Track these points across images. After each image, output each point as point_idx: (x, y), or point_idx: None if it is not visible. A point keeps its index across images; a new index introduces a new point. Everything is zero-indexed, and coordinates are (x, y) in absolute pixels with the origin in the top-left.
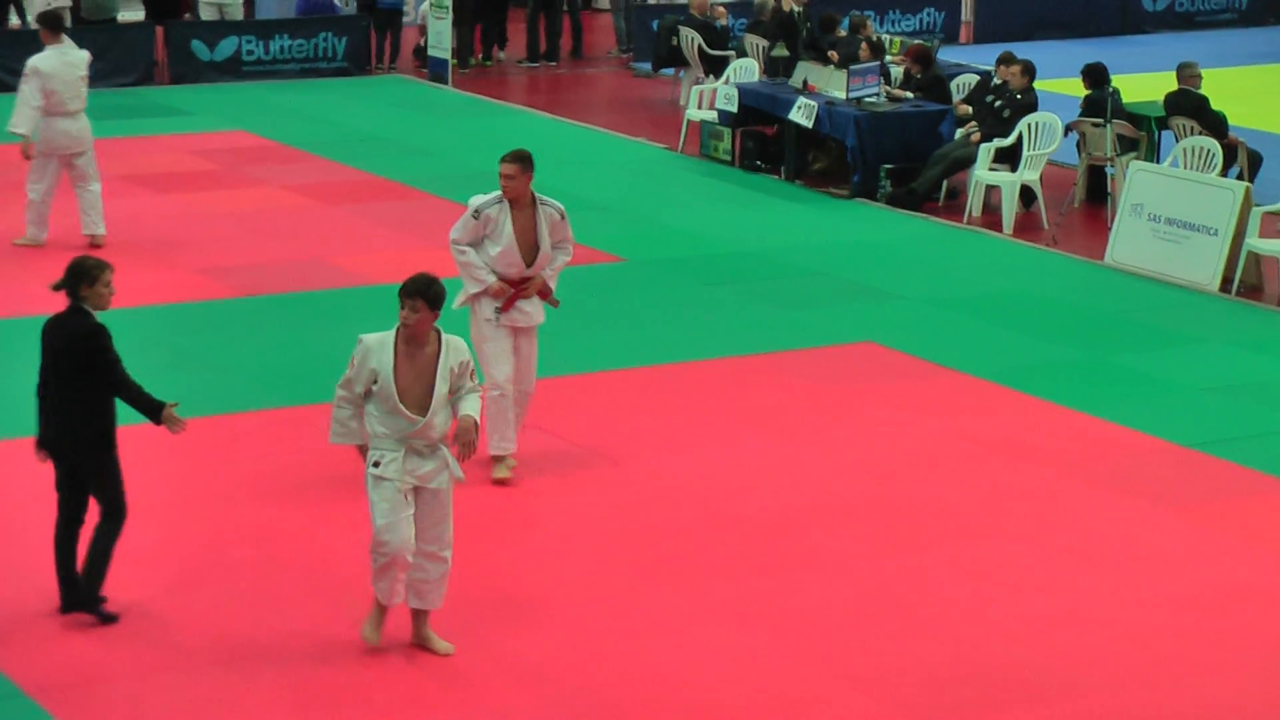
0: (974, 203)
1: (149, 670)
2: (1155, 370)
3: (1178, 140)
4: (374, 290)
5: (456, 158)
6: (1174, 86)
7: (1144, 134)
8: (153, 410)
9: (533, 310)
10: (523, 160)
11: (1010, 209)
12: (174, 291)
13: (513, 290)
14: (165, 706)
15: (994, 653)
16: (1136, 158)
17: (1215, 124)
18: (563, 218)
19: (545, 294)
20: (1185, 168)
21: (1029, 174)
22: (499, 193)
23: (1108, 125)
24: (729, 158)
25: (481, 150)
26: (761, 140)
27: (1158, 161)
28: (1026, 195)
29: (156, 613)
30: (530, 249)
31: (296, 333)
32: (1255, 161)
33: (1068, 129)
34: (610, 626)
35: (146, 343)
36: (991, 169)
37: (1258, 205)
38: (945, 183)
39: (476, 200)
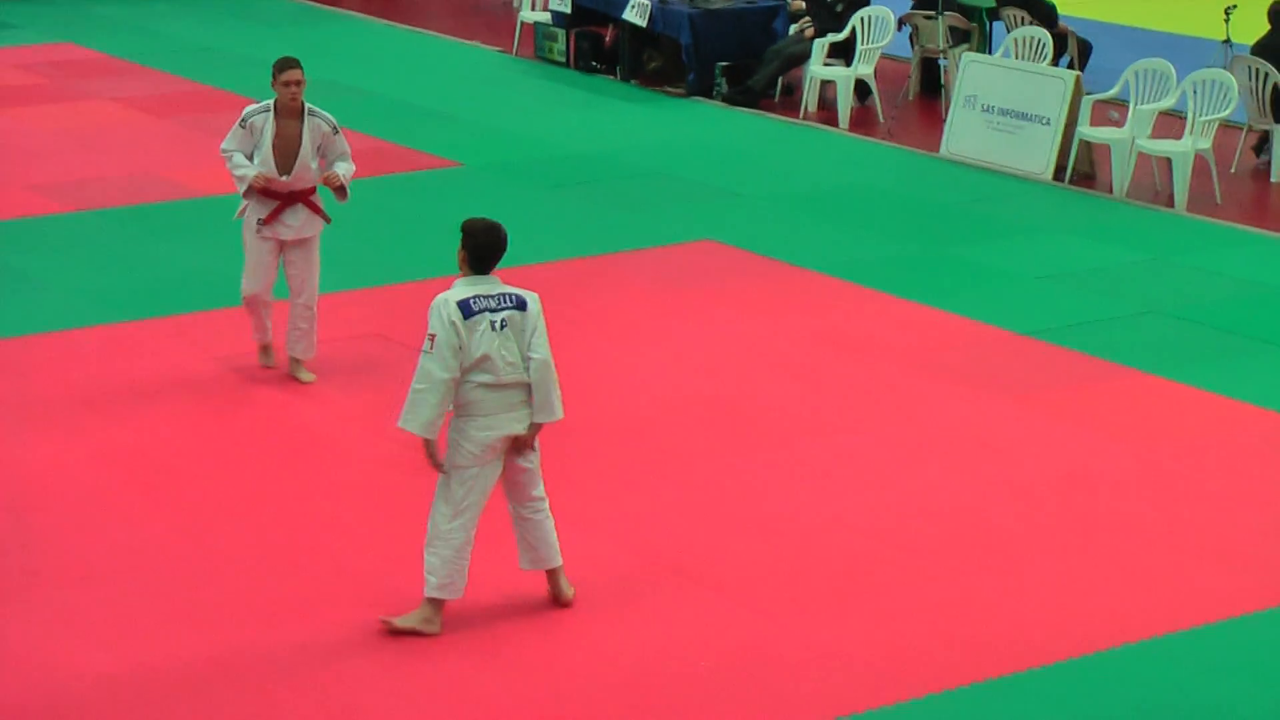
0: (809, 98)
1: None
2: (992, 260)
3: (1009, 31)
4: (208, 201)
5: None
6: None
7: (976, 25)
8: None
9: (298, 223)
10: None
11: (845, 104)
12: (2, 208)
13: (277, 201)
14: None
15: (835, 547)
16: (969, 49)
17: (1045, 14)
18: (335, 131)
19: (336, 185)
20: (1016, 58)
21: (863, 68)
22: (270, 102)
23: (940, 17)
24: (564, 59)
25: (315, 58)
26: (596, 41)
27: (990, 53)
28: (861, 89)
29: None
30: (288, 158)
31: (131, 247)
32: (1085, 50)
33: (900, 22)
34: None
35: None
36: (826, 64)
37: (1088, 94)
38: (781, 79)
39: (247, 109)
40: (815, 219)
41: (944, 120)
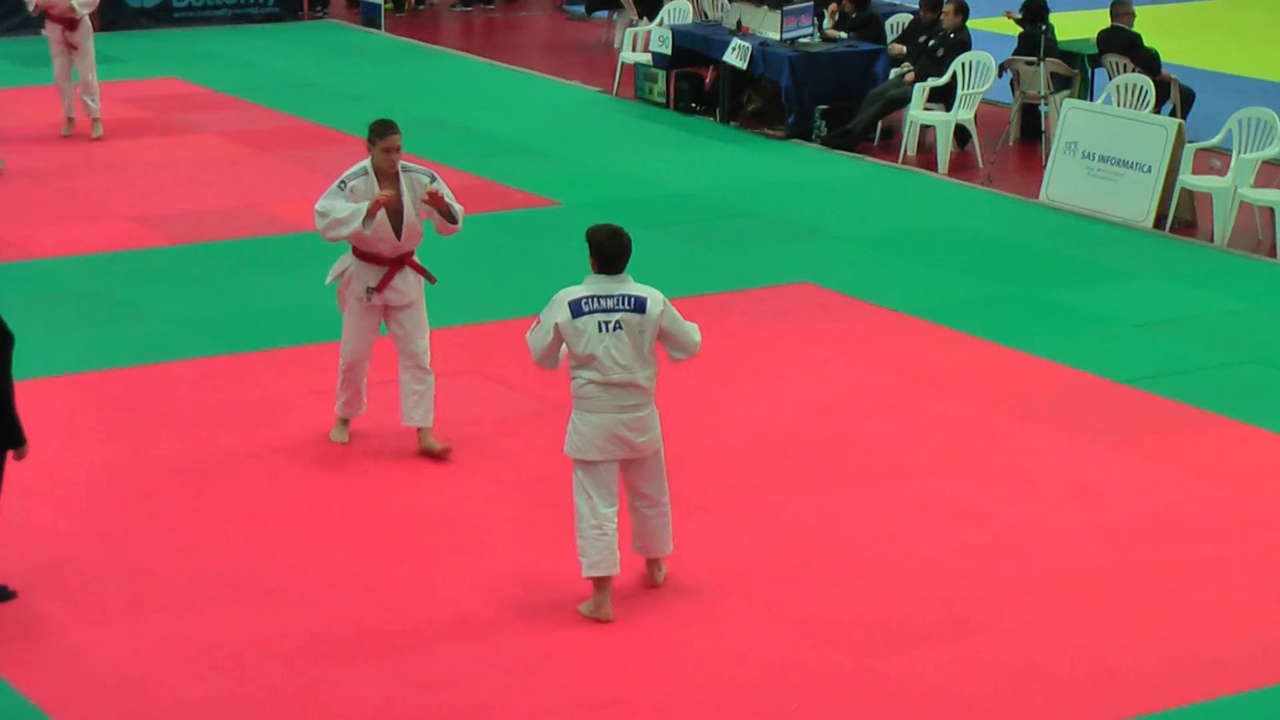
0: (909, 142)
1: (138, 658)
2: (1090, 306)
3: (1111, 78)
4: (309, 236)
5: (390, 102)
6: (1107, 24)
7: (1077, 72)
8: (13, 435)
9: (406, 287)
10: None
11: (945, 148)
12: (107, 240)
13: (385, 266)
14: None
15: (928, 589)
16: (1070, 95)
17: (1148, 61)
18: (433, 179)
19: (441, 205)
20: (1118, 105)
21: (963, 113)
22: (366, 164)
23: (1041, 63)
24: (664, 100)
25: (415, 95)
26: (696, 82)
27: (1091, 99)
28: (961, 134)
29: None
30: (395, 221)
31: (232, 280)
32: (1188, 98)
33: (1002, 68)
34: (547, 567)
35: (79, 293)
36: (926, 108)
37: (1190, 142)
38: (880, 123)
39: (346, 173)
40: (912, 263)
41: (1044, 166)
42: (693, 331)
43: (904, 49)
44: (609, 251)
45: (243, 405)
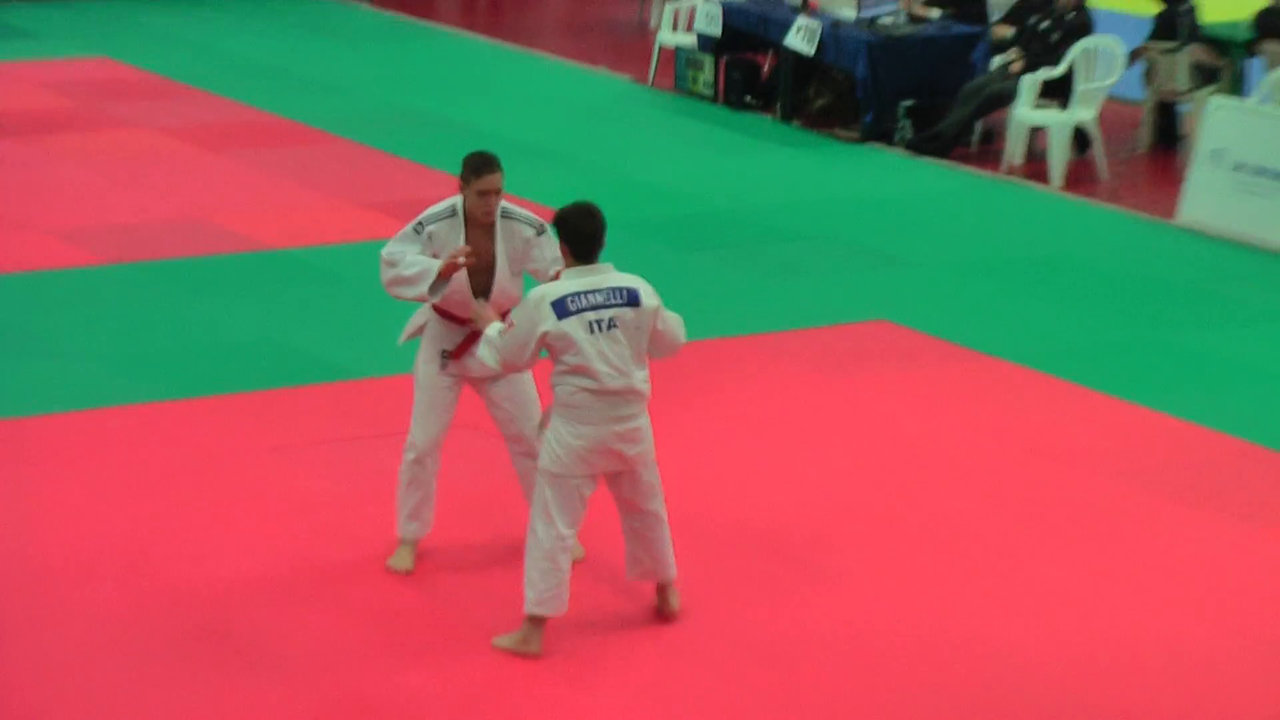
0: (1014, 148)
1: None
2: (1231, 353)
3: (1270, 69)
4: (272, 257)
5: (373, 93)
6: (1266, 1)
7: (1226, 62)
8: None
9: None
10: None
11: (1060, 156)
12: (19, 259)
13: (466, 329)
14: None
15: (1022, 700)
16: (1217, 91)
17: None
18: (540, 232)
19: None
20: (1278, 104)
21: (1083, 112)
22: (453, 204)
23: (1182, 51)
24: (710, 93)
25: (405, 84)
26: (751, 71)
27: (1243, 96)
28: (1080, 139)
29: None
30: (483, 277)
31: (176, 310)
32: None
33: (1132, 57)
34: (589, 668)
35: None
36: (1037, 106)
37: None
38: (979, 123)
39: (427, 214)
40: (1014, 297)
41: (1182, 180)
42: (681, 327)
43: (1010, 32)
44: (588, 233)
45: (186, 463)
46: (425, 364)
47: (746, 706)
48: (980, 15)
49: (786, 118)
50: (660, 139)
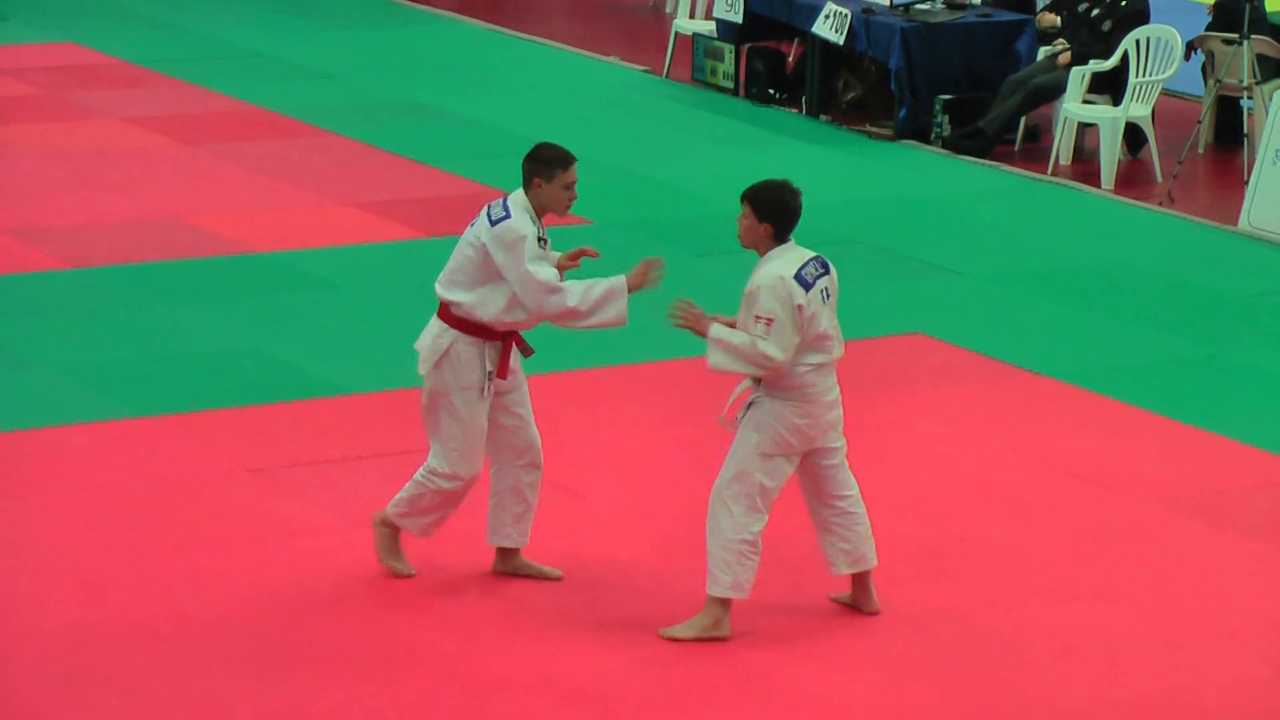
0: (1062, 146)
1: None
2: None
3: None
4: (251, 260)
5: (362, 81)
6: None
7: None
8: None
9: (518, 365)
10: None
11: (1111, 155)
12: None
13: (501, 343)
14: None
15: None
16: None
17: None
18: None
19: (521, 341)
20: None
21: (1137, 108)
22: (520, 203)
23: (1245, 42)
24: (731, 85)
25: (397, 73)
26: (775, 61)
27: None
28: (1134, 137)
29: None
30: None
31: (143, 318)
32: None
33: (1190, 47)
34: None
35: None
36: (1086, 101)
37: None
38: (1023, 119)
39: (518, 224)
40: (1062, 310)
41: (1246, 182)
42: None
43: (1058, 20)
44: (795, 209)
45: (154, 485)
46: (461, 391)
47: None
48: (1025, 2)
49: (813, 112)
50: (675, 134)
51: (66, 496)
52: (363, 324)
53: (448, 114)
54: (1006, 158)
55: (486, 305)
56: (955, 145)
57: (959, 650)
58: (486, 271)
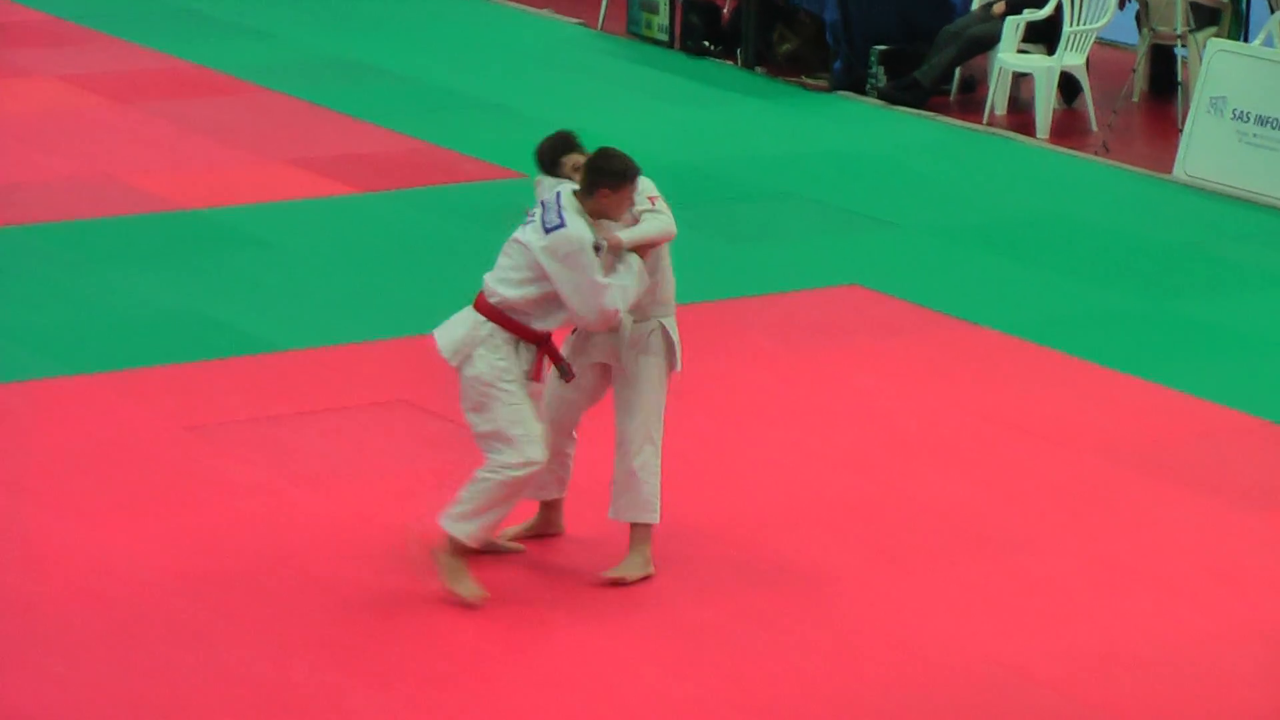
0: (997, 97)
1: None
2: (1238, 322)
3: (1273, 10)
4: (188, 217)
5: (298, 40)
6: None
7: (1227, 1)
8: None
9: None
10: None
11: (1046, 105)
12: None
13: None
14: None
15: (1019, 700)
16: (1217, 34)
17: None
18: None
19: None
20: None
21: (1071, 58)
22: (573, 207)
23: None
24: (666, 38)
25: (333, 29)
26: (711, 14)
27: (1246, 39)
28: (1068, 87)
29: None
30: None
31: (78, 278)
32: None
33: None
34: (515, 672)
35: None
36: (1020, 51)
37: None
38: (959, 70)
39: (580, 232)
40: (999, 261)
41: (1180, 131)
42: None
43: None
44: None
45: (92, 445)
46: (505, 378)
47: (713, 703)
48: None
49: (749, 65)
50: (611, 89)
51: (1, 457)
52: (300, 281)
53: (385, 71)
54: (942, 109)
55: (536, 307)
56: (891, 97)
57: (900, 603)
58: (535, 274)
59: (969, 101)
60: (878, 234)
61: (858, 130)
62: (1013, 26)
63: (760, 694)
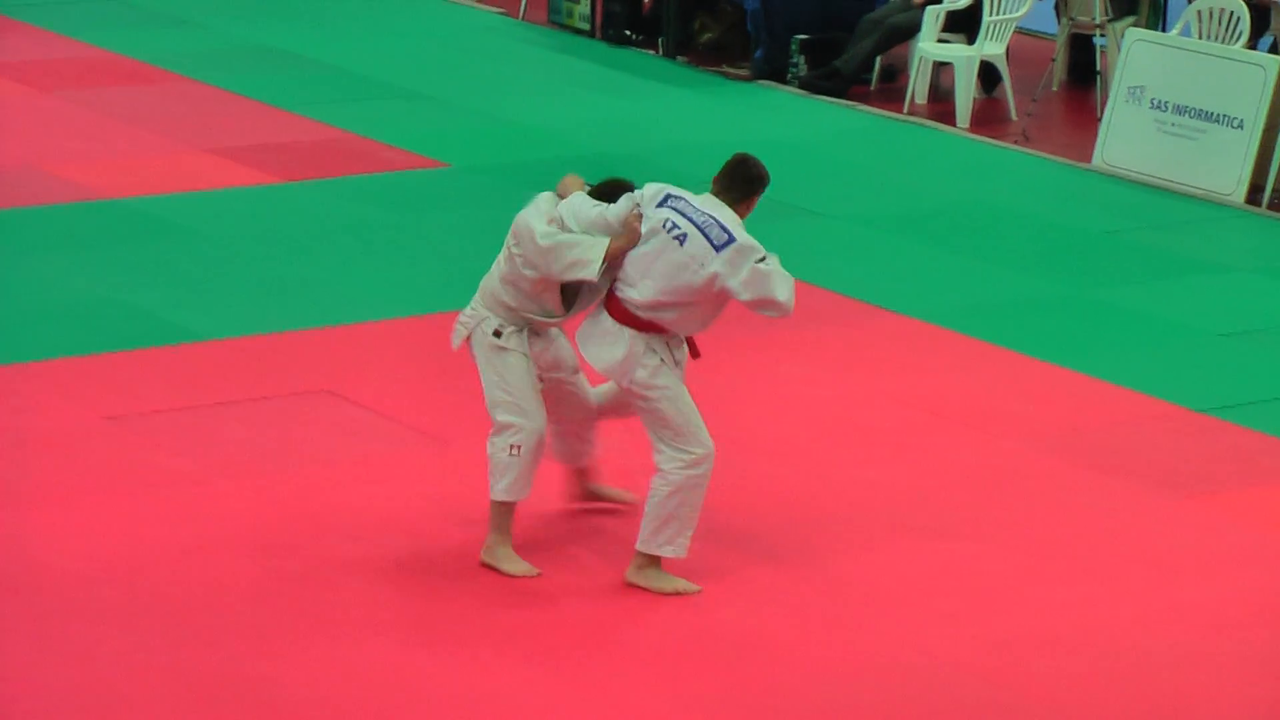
0: (918, 86)
1: None
2: (1159, 309)
3: (1190, 0)
4: (108, 206)
5: (218, 28)
6: None
7: None
8: None
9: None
10: None
11: (966, 94)
12: None
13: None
14: None
15: (948, 686)
16: (1135, 23)
17: None
18: None
19: None
20: (1201, 37)
21: (991, 47)
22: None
23: None
24: (587, 26)
25: (252, 17)
26: (632, 3)
27: (1163, 29)
28: (988, 76)
29: None
30: None
31: (1, 266)
32: None
33: None
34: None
35: None
36: (940, 40)
37: None
38: (879, 59)
39: (752, 239)
40: (922, 250)
41: (1099, 119)
42: None
43: None
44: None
45: (10, 436)
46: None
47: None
48: None
49: (670, 54)
50: (532, 77)
51: None
52: (221, 270)
53: (304, 59)
54: (863, 98)
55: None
56: (812, 85)
57: (822, 592)
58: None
59: (890, 90)
60: (799, 222)
61: (779, 119)
62: (933, 16)
63: (685, 688)
